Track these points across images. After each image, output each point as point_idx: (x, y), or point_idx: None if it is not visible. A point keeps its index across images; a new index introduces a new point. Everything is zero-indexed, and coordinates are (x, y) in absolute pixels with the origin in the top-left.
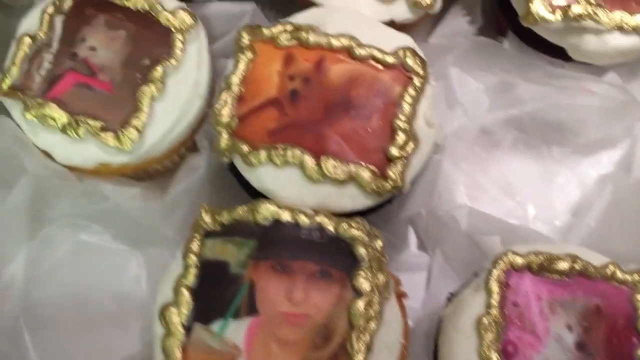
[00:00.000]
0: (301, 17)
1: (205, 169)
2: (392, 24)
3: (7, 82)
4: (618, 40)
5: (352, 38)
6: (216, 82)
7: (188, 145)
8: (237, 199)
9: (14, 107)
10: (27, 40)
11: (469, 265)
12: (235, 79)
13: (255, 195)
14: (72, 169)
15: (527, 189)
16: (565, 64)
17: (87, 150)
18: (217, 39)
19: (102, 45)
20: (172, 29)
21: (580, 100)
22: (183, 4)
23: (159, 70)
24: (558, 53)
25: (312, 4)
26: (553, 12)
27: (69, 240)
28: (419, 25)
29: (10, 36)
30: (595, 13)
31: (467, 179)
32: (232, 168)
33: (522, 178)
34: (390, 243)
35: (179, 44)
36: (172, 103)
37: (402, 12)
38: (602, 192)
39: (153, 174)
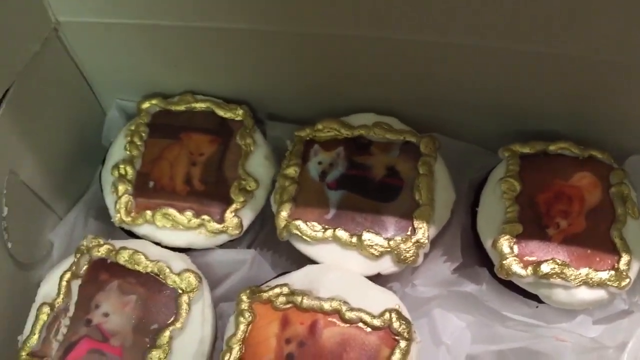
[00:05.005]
0: (297, 277)
1: None
2: (379, 274)
3: (27, 350)
4: (584, 294)
5: (342, 302)
6: (218, 330)
7: None
8: None
9: None
10: (46, 309)
11: None
12: (236, 342)
13: None
14: None
15: None
16: (538, 304)
17: None
18: (218, 283)
19: (114, 311)
20: (179, 291)
21: (555, 346)
22: (189, 263)
23: (166, 335)
24: (532, 295)
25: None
26: (525, 268)
27: None
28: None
29: (26, 290)
30: (562, 272)
31: None
32: None
33: None
34: None
35: (184, 306)
36: None
37: (388, 266)
38: None
39: None
